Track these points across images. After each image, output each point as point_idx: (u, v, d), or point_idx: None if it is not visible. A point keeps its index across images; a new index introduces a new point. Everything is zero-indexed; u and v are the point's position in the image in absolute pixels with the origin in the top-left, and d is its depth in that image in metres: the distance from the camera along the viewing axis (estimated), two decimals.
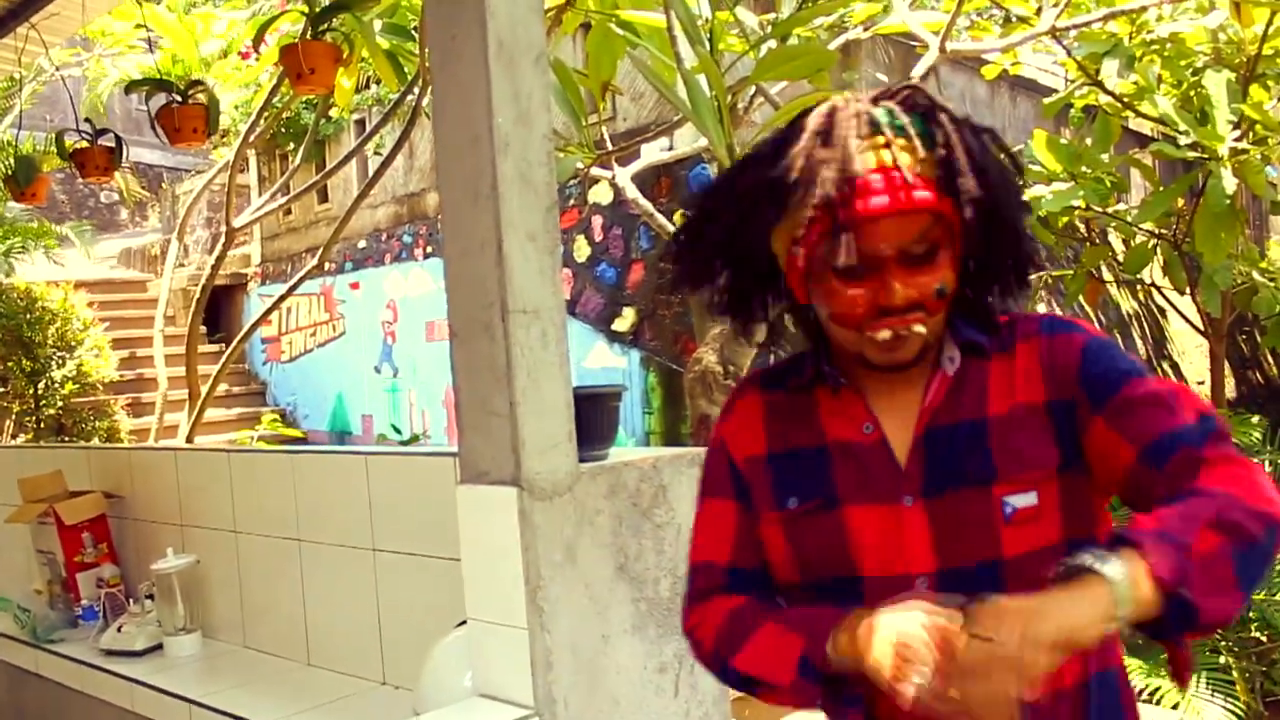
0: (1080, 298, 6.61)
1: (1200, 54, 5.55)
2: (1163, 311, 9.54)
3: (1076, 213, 5.67)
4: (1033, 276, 1.26)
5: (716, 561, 1.29)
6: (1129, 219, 5.67)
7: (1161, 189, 5.31)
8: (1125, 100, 5.27)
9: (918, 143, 1.11)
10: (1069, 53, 5.16)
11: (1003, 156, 1.19)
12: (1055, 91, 7.13)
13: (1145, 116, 5.40)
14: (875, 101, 1.16)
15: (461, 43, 1.71)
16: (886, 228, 1.09)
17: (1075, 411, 1.16)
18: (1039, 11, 4.81)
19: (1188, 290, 6.13)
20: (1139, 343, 9.53)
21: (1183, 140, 4.73)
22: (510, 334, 1.64)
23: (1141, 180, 6.80)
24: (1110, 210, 5.64)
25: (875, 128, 1.11)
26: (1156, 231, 5.94)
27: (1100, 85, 5.15)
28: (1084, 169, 5.09)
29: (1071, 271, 6.48)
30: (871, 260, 1.10)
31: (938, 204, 1.10)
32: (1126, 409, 1.13)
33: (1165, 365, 9.45)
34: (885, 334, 1.12)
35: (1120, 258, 7.51)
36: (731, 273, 1.26)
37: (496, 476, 1.71)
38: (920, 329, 1.13)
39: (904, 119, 1.12)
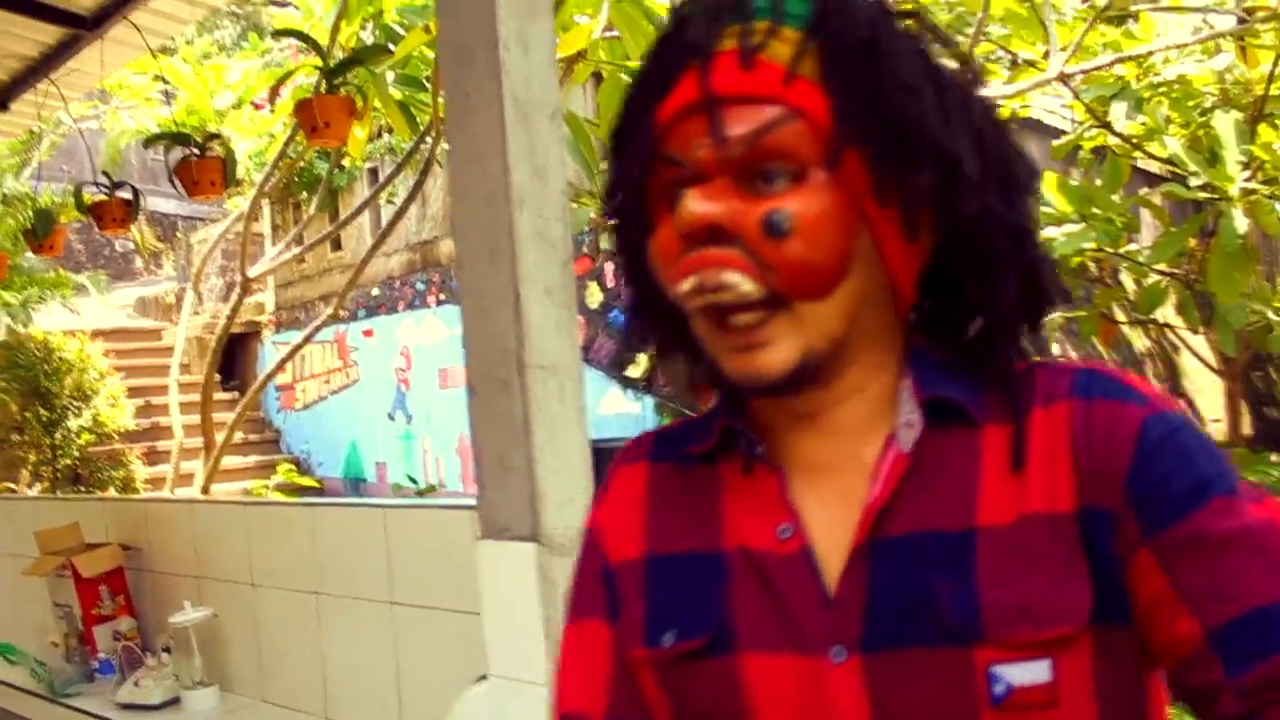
0: (1094, 338, 6.61)
1: (1208, 95, 5.58)
2: (1176, 349, 9.52)
3: (1088, 253, 5.68)
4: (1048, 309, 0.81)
5: (589, 715, 0.87)
6: (1141, 260, 5.68)
7: (1173, 229, 5.33)
8: (1134, 141, 5.30)
9: (792, 26, 0.74)
10: (1076, 95, 5.20)
11: (965, 81, 0.78)
12: (1062, 132, 7.17)
13: (1154, 157, 5.44)
14: None
15: (476, 100, 1.73)
16: (714, 122, 0.72)
17: (1115, 529, 0.71)
18: (1046, 55, 4.85)
19: (1201, 329, 6.13)
20: (1154, 381, 9.51)
21: (1193, 181, 4.75)
22: (528, 389, 1.64)
23: (1152, 219, 6.82)
24: (1122, 251, 5.65)
25: (738, 9, 0.75)
26: (1169, 271, 5.95)
27: (1109, 127, 5.18)
28: (1095, 210, 5.11)
29: (1085, 312, 6.48)
30: (693, 172, 0.74)
31: (794, 96, 0.72)
32: (1194, 549, 0.69)
33: (1181, 403, 9.42)
34: (686, 283, 0.74)
35: (1132, 297, 7.52)
36: (629, 261, 0.87)
37: (516, 532, 1.71)
38: (738, 279, 0.72)
39: (771, 1, 0.75)
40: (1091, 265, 6.78)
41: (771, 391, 0.76)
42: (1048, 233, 5.08)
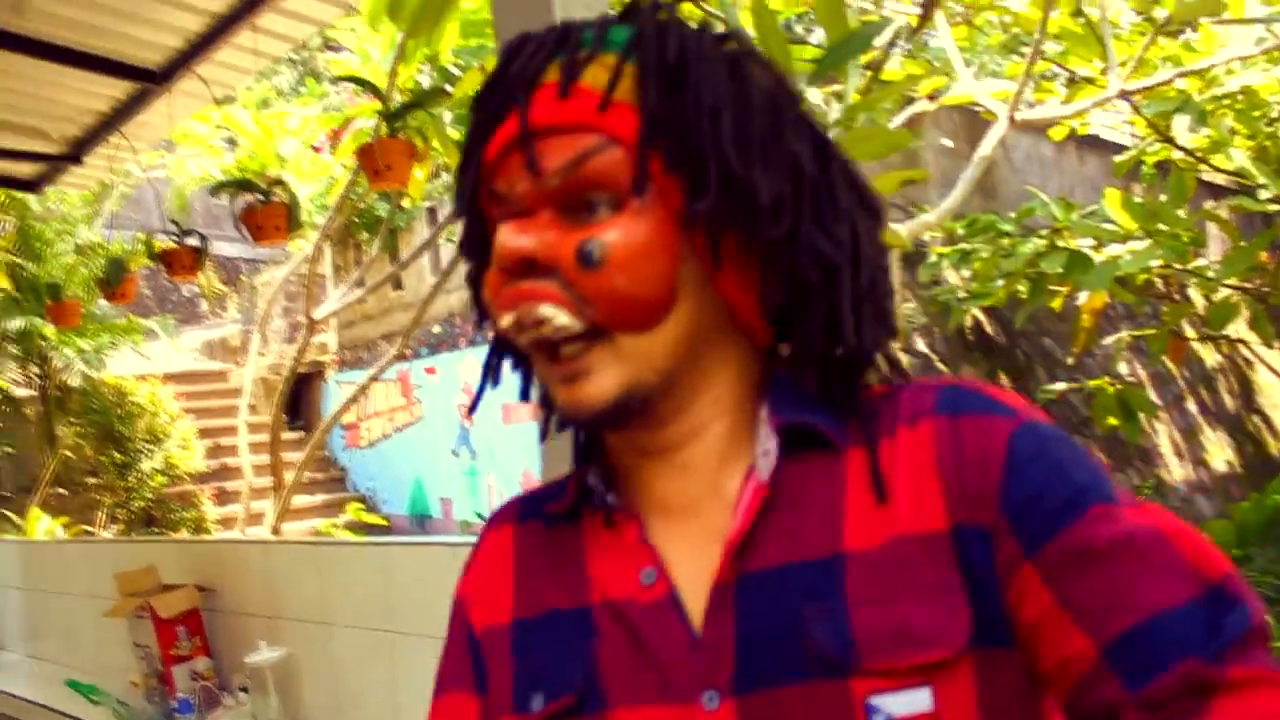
0: (1164, 356, 6.48)
1: (1274, 105, 5.48)
2: (1250, 364, 9.31)
3: (1155, 270, 5.58)
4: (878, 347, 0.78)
5: None
6: (1210, 275, 5.57)
7: (1243, 243, 5.22)
8: (1199, 155, 5.21)
9: (610, 52, 0.72)
10: (1138, 110, 5.13)
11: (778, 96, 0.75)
12: (1122, 148, 7.07)
13: (1220, 170, 5.33)
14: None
15: None
16: (531, 155, 0.70)
17: (993, 547, 0.68)
18: (1104, 72, 4.79)
19: (1276, 343, 5.98)
20: (1226, 396, 9.29)
21: (1262, 194, 4.65)
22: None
23: (1219, 233, 6.69)
24: (1190, 267, 5.54)
25: (561, 43, 0.73)
26: (1240, 286, 5.83)
27: (1172, 141, 5.10)
28: (1160, 226, 5.02)
29: (1153, 330, 6.36)
30: (517, 206, 0.72)
31: (608, 123, 0.70)
32: (1079, 563, 0.65)
33: (1256, 419, 9.19)
34: (505, 318, 0.72)
35: (1202, 313, 7.36)
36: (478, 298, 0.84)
37: None
38: (553, 313, 0.70)
39: (601, 29, 0.73)
40: (1158, 281, 6.66)
41: (597, 424, 0.74)
42: (1112, 250, 5.01)
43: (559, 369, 0.72)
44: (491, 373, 0.86)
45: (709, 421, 0.75)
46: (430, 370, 10.63)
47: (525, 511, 0.88)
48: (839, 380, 0.75)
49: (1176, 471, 8.36)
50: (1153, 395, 8.13)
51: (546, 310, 0.70)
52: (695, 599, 0.72)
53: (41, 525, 7.52)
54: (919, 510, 0.70)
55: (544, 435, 0.87)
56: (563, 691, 0.75)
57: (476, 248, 0.80)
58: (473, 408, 0.89)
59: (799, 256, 0.72)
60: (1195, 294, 7.49)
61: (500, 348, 0.84)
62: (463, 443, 10.22)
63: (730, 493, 0.74)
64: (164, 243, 4.59)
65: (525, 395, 0.85)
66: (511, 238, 0.70)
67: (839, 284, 0.73)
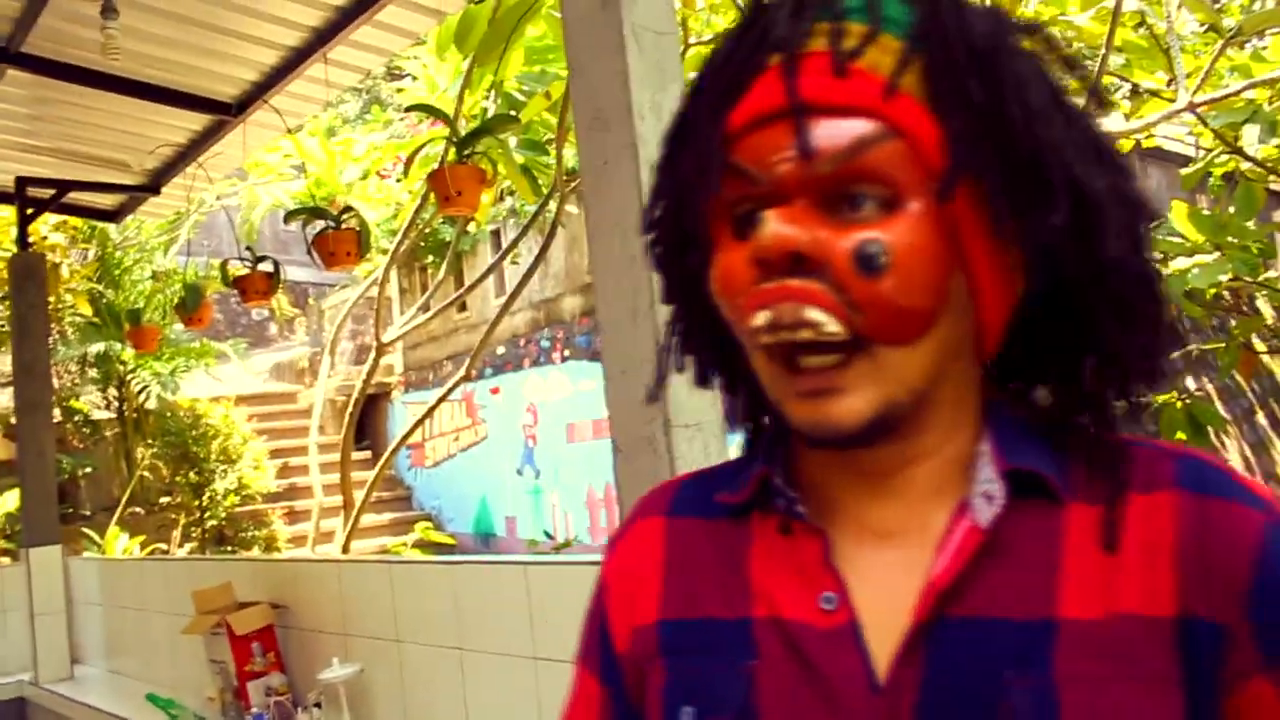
0: (1234, 370, 6.35)
1: None
2: None
3: (1224, 283, 5.48)
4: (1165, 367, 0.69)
5: None
6: None
7: None
8: (1269, 165, 5.12)
9: (891, 33, 0.64)
10: (1205, 123, 5.07)
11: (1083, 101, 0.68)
12: (1186, 159, 6.95)
13: None
14: None
15: (614, 168, 1.79)
16: (798, 134, 0.62)
17: (1225, 648, 0.61)
18: (1169, 84, 4.74)
19: None
20: None
21: None
22: (674, 447, 1.67)
23: None
24: (1260, 279, 5.44)
25: (827, 6, 0.65)
26: None
27: (1241, 152, 5.02)
28: (1229, 239, 4.94)
29: (1221, 343, 6.24)
30: (771, 191, 0.64)
31: (896, 112, 0.62)
32: None
33: None
34: (760, 318, 0.63)
35: (1272, 325, 7.22)
36: (671, 278, 0.77)
37: None
38: (823, 319, 0.62)
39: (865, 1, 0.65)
40: (1227, 294, 6.54)
41: (841, 445, 0.66)
42: (1179, 264, 4.93)
43: (805, 381, 0.64)
44: (671, 356, 0.79)
45: (935, 447, 0.68)
46: (494, 390, 10.72)
47: (679, 501, 0.80)
48: (1096, 422, 0.68)
49: None
50: (1221, 409, 7.97)
51: (815, 314, 0.62)
52: (879, 636, 0.65)
53: (120, 544, 7.71)
54: (1148, 589, 0.62)
55: (731, 427, 0.83)
56: (716, 711, 0.69)
57: (677, 222, 0.72)
58: (656, 389, 0.84)
59: (1125, 280, 0.65)
60: (1265, 306, 7.34)
61: (682, 334, 0.78)
62: (527, 461, 10.29)
63: (936, 526, 0.67)
64: (238, 268, 4.70)
65: (703, 381, 0.80)
66: (783, 228, 0.62)
67: (1157, 306, 0.66)
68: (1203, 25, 4.71)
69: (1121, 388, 0.68)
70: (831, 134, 0.62)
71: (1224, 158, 5.53)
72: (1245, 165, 5.31)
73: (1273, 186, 6.61)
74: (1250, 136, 4.85)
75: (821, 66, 0.63)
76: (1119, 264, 0.64)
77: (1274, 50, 4.97)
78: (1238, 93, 4.32)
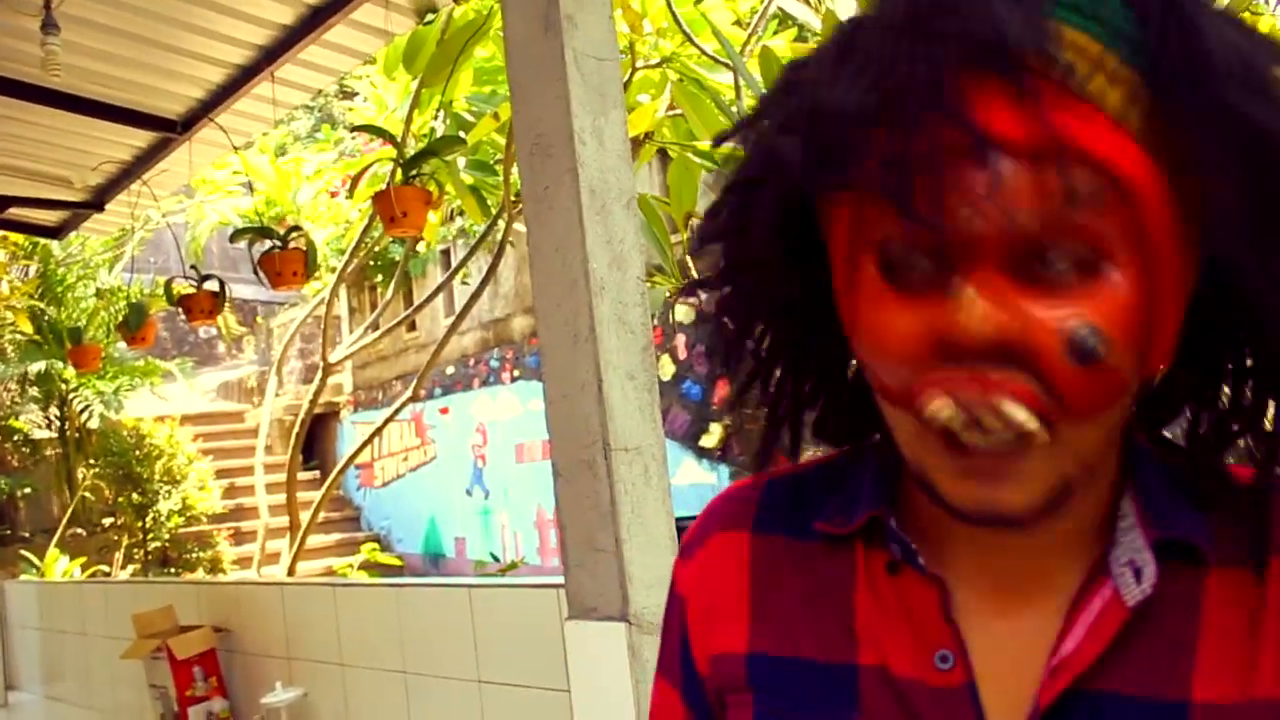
0: None
1: None
2: None
3: None
4: None
5: None
6: None
7: None
8: None
9: (1118, 51, 0.50)
10: None
11: None
12: None
13: None
14: None
15: (555, 193, 1.80)
16: (998, 178, 0.49)
17: None
18: None
19: None
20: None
21: None
22: (614, 471, 1.69)
23: None
24: None
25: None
26: None
27: None
28: None
29: None
30: (953, 249, 0.51)
31: (1117, 157, 0.49)
32: None
33: None
34: (943, 409, 0.52)
35: None
36: (766, 309, 0.66)
37: (604, 612, 1.74)
38: (1020, 416, 0.51)
39: None
40: None
41: (1001, 526, 0.56)
42: None
43: (970, 461, 0.54)
44: (746, 400, 0.69)
45: (1078, 501, 0.58)
46: (444, 410, 10.69)
47: (764, 514, 0.72)
48: (1254, 483, 0.58)
49: None
50: None
51: (1014, 411, 0.51)
52: (997, 701, 0.59)
53: (60, 566, 7.57)
54: None
55: (725, 457, 0.73)
56: None
57: (788, 274, 0.61)
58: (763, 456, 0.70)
59: None
60: None
61: (764, 374, 0.68)
62: (476, 482, 10.26)
63: (1066, 585, 0.59)
64: (183, 287, 4.66)
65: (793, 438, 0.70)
66: (991, 311, 0.50)
67: None
68: None
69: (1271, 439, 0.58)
70: (1044, 184, 0.49)
71: None
72: None
73: None
74: None
75: (1039, 96, 0.49)
76: None
77: None
78: None
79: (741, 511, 0.73)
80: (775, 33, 4.23)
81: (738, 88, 3.13)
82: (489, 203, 4.61)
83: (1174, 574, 0.57)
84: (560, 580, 1.90)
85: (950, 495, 0.56)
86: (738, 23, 4.16)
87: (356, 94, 7.64)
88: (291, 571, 5.34)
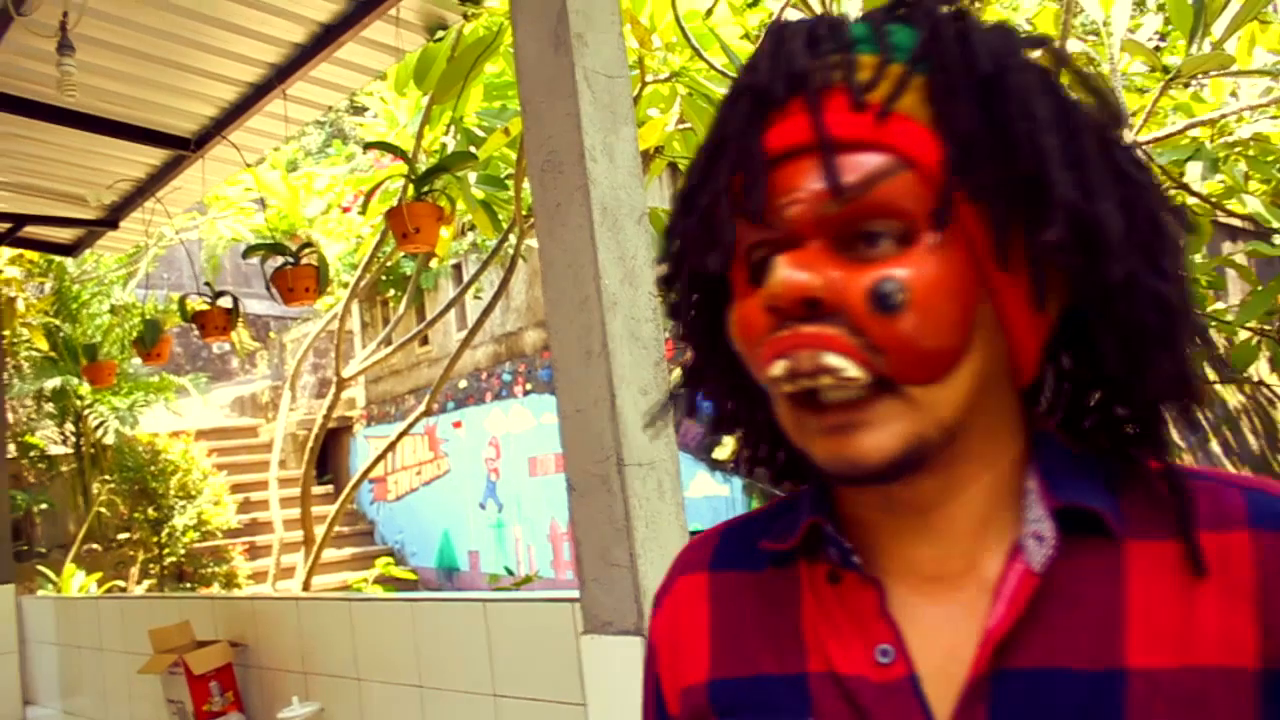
0: None
1: None
2: (1272, 403, 9.26)
3: None
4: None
5: None
6: (1230, 318, 5.59)
7: (1260, 288, 5.24)
8: (1214, 201, 5.25)
9: (897, 60, 0.62)
10: (1151, 159, 5.18)
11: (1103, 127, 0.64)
12: None
13: (1235, 215, 5.37)
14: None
15: (567, 210, 1.82)
16: (805, 174, 0.61)
17: None
18: None
19: None
20: (1250, 437, 9.25)
21: (1278, 239, 4.69)
22: (627, 486, 1.70)
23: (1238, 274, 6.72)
24: (1209, 310, 5.56)
25: (835, 38, 0.64)
26: (1259, 328, 5.84)
27: (1186, 188, 5.15)
28: None
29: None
30: (785, 235, 0.62)
31: (896, 139, 0.61)
32: None
33: None
34: (777, 367, 0.62)
35: (1223, 354, 7.36)
36: (692, 307, 0.75)
37: (620, 626, 1.74)
38: (842, 364, 0.60)
39: (880, 29, 0.65)
40: None
41: (866, 481, 0.63)
42: None
43: (826, 419, 0.62)
44: (688, 406, 0.78)
45: (972, 479, 0.65)
46: (457, 424, 10.70)
47: (720, 555, 0.78)
48: (1138, 450, 0.65)
49: None
50: (1175, 437, 8.10)
51: (834, 360, 0.60)
52: (938, 687, 0.63)
53: (76, 581, 7.61)
54: (1226, 638, 0.59)
55: (738, 470, 0.82)
56: None
57: (687, 268, 0.70)
58: (657, 416, 0.81)
59: (1135, 297, 0.61)
60: (1216, 337, 7.50)
61: (695, 380, 0.76)
62: (489, 495, 10.26)
63: (990, 571, 0.64)
64: (197, 304, 4.68)
65: (719, 430, 0.79)
66: (794, 274, 0.60)
67: (1177, 330, 0.62)
68: (1148, 67, 4.84)
69: (1151, 418, 0.65)
70: (838, 171, 0.60)
71: (1170, 193, 5.65)
72: (1191, 200, 5.44)
73: (1220, 220, 6.77)
74: (1194, 173, 4.98)
75: (836, 104, 0.61)
76: (1129, 285, 0.61)
77: (1214, 91, 5.12)
78: (1181, 131, 4.44)
79: (700, 556, 0.80)
80: None
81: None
82: (500, 217, 4.63)
83: (1092, 548, 0.63)
84: (576, 594, 1.91)
85: (820, 456, 0.63)
86: (746, 36, 4.19)
87: (367, 109, 7.69)
88: (306, 586, 5.35)
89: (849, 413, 0.61)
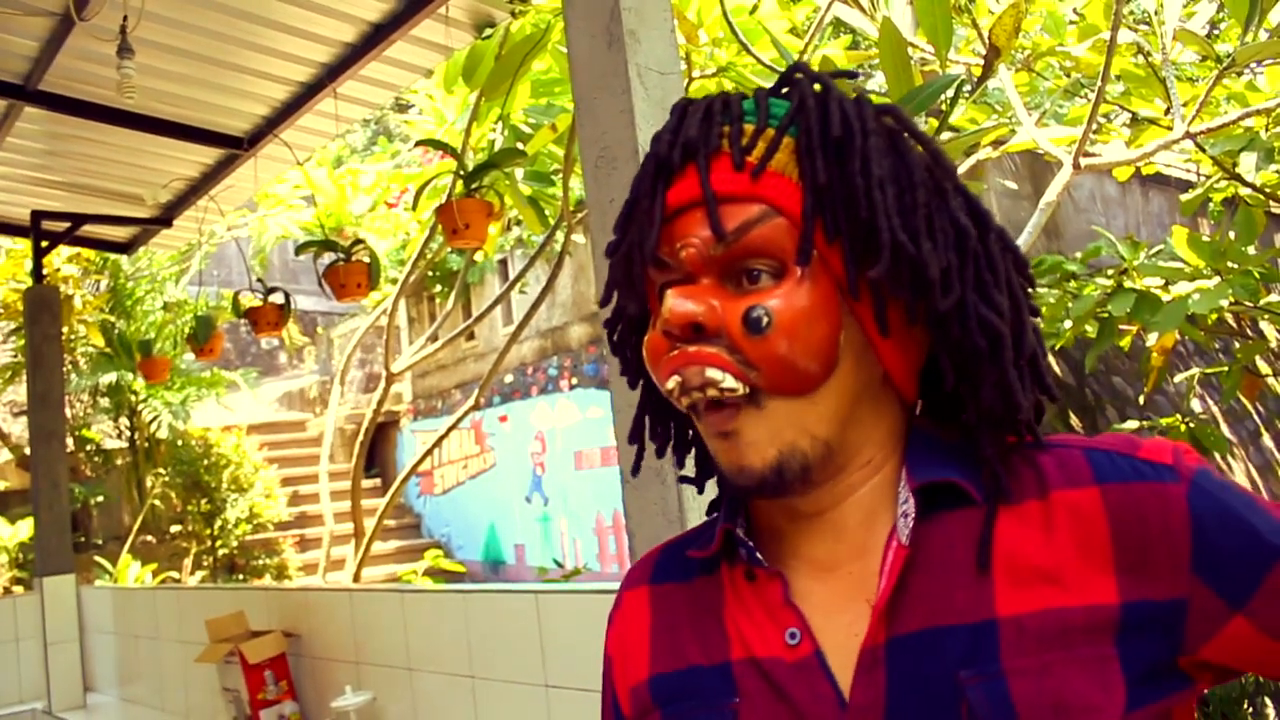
0: (1238, 393, 6.36)
1: None
2: None
3: (1226, 308, 5.51)
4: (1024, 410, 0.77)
5: None
6: None
7: None
8: (1268, 191, 5.16)
9: (772, 127, 0.76)
10: (1203, 150, 5.12)
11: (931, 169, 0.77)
12: (1188, 184, 7.00)
13: None
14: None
15: (620, 205, 1.82)
16: (695, 223, 0.74)
17: (1185, 617, 0.69)
18: (1167, 112, 4.78)
19: None
20: None
21: None
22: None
23: None
24: (1262, 303, 5.47)
25: (726, 112, 0.77)
26: None
27: (1239, 178, 5.07)
28: (1230, 264, 4.97)
29: (1226, 368, 6.26)
30: (681, 273, 0.75)
31: (768, 192, 0.73)
32: None
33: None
34: (671, 381, 0.74)
35: (1276, 348, 7.24)
36: (627, 360, 0.88)
37: None
38: (720, 377, 0.72)
39: (762, 102, 0.78)
40: (1229, 318, 6.56)
41: (758, 491, 0.74)
42: (1181, 289, 4.96)
43: (712, 426, 0.74)
44: (642, 432, 0.89)
45: (860, 482, 0.77)
46: (503, 418, 10.75)
47: (659, 570, 0.90)
48: (988, 438, 0.75)
49: None
50: (1227, 432, 7.98)
51: (713, 373, 0.72)
52: (841, 660, 0.73)
53: (132, 572, 7.75)
54: (1084, 581, 0.69)
55: (700, 488, 0.93)
56: None
57: (625, 302, 0.82)
58: (634, 469, 0.90)
59: (967, 325, 0.73)
60: (1268, 329, 7.37)
61: (648, 404, 0.88)
62: (535, 489, 10.31)
63: (876, 553, 0.75)
64: (250, 300, 4.75)
65: (680, 462, 0.90)
66: (680, 303, 0.72)
67: (1003, 350, 0.74)
68: (1200, 55, 4.78)
69: (989, 423, 0.75)
70: (722, 220, 0.73)
71: (1223, 183, 5.58)
72: (1244, 191, 5.35)
73: (1274, 210, 6.65)
74: (1248, 163, 4.90)
75: (722, 164, 0.74)
76: (959, 313, 0.73)
77: (1270, 80, 5.03)
78: (1235, 121, 4.37)
79: (642, 573, 0.91)
80: (830, 40, 4.24)
81: None
82: (547, 213, 4.66)
83: (957, 517, 0.74)
84: None
85: (721, 465, 0.75)
86: (793, 31, 4.18)
87: (412, 106, 7.74)
88: (356, 578, 5.42)
89: (721, 419, 0.73)
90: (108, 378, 8.59)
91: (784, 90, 0.79)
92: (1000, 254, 0.76)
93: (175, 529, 9.55)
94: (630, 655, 0.87)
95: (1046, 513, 0.72)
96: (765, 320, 0.71)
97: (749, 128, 0.76)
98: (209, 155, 4.46)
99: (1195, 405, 8.02)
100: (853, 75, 0.82)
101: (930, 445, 0.78)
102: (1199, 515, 0.70)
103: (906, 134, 0.77)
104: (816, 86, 0.77)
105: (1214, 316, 5.73)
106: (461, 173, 3.81)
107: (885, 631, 0.71)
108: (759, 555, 0.78)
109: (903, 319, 0.75)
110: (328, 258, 4.20)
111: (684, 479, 0.93)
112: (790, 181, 0.74)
